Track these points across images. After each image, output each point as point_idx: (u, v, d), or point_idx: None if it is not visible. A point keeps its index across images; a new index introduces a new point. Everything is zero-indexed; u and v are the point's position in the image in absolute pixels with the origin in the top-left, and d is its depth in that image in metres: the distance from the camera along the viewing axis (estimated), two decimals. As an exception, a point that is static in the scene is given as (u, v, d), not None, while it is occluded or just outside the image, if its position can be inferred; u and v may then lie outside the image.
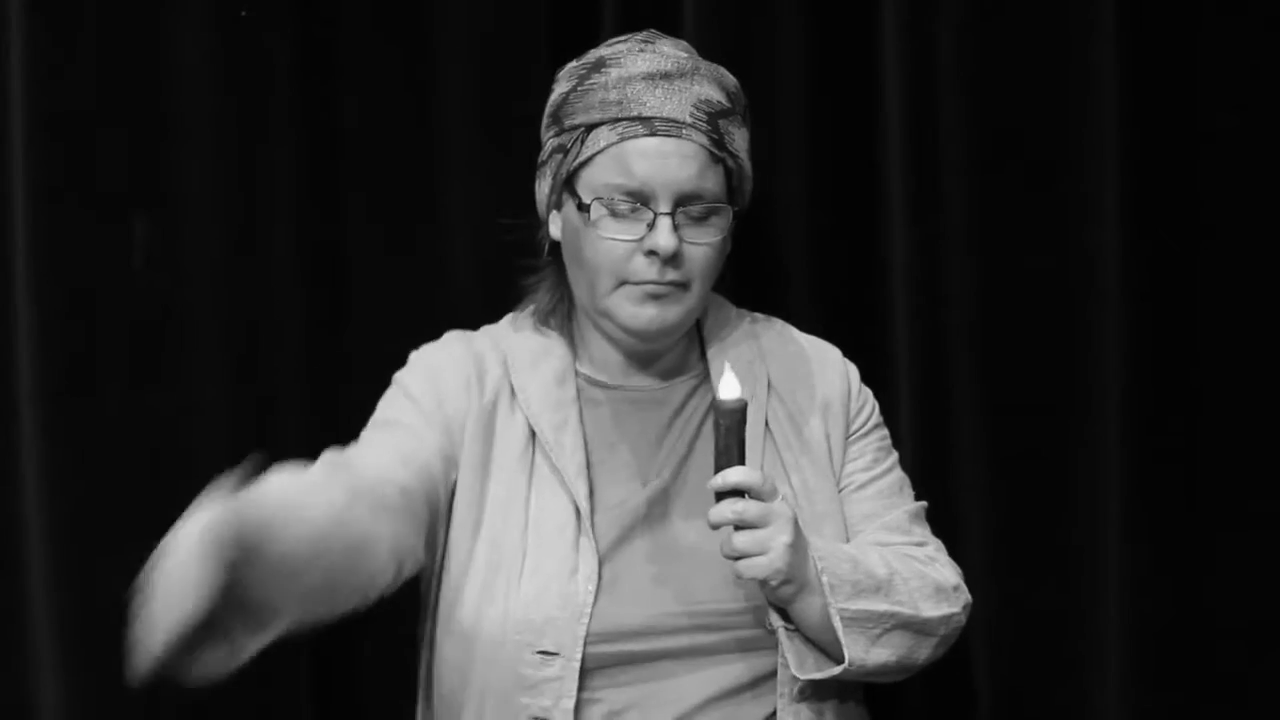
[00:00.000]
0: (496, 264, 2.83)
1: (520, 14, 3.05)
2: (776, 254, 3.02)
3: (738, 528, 2.47)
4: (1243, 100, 2.86)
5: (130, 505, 2.97)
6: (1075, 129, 2.91)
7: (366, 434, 2.64)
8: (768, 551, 2.47)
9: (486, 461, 2.61)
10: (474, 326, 2.75)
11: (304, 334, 3.03)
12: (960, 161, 2.94)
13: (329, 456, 2.51)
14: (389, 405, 2.65)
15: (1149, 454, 2.89)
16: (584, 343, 2.69)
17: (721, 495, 2.47)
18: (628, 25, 2.87)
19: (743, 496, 2.47)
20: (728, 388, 2.44)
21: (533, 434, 2.61)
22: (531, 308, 2.71)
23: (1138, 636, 2.89)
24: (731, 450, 2.45)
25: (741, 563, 2.48)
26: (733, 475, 2.46)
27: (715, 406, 2.45)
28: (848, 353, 2.81)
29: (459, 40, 3.05)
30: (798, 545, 2.50)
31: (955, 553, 2.78)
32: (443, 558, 2.60)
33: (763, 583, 2.50)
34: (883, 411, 2.81)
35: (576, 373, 2.67)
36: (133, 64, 2.98)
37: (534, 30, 3.04)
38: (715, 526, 2.48)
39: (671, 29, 2.94)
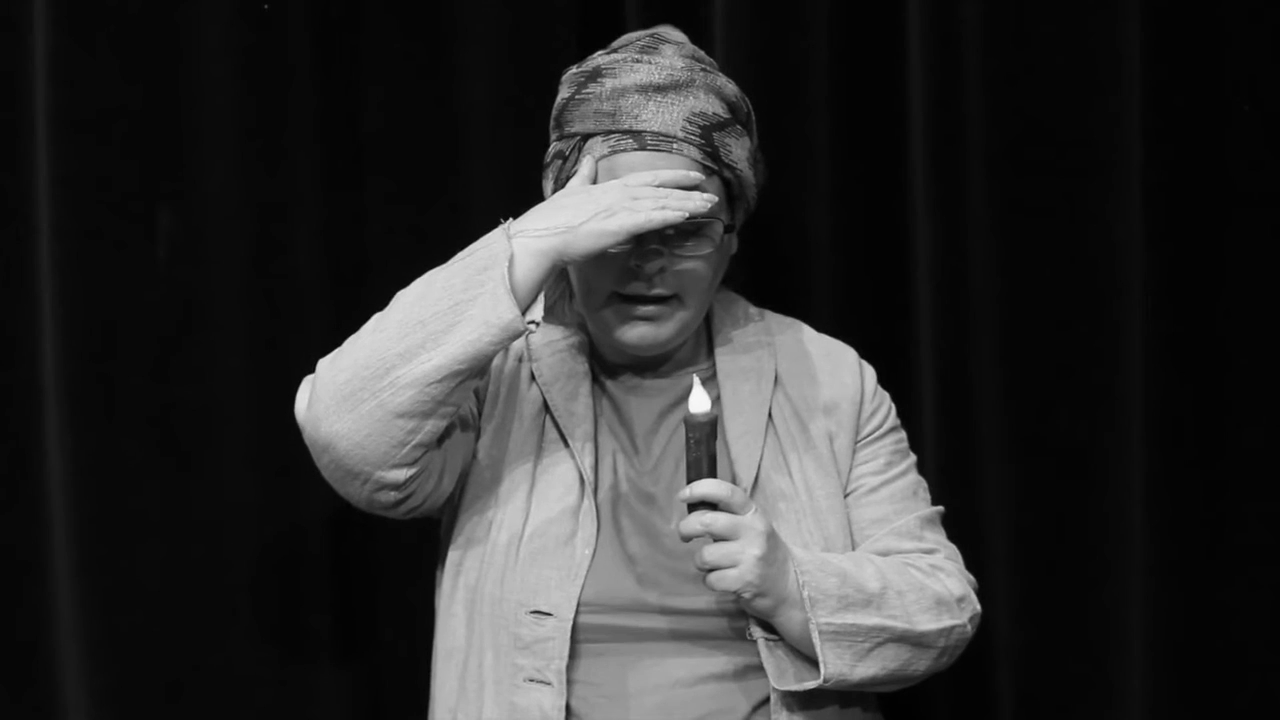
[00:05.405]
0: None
1: (545, 3, 3.04)
2: (801, 248, 2.99)
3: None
4: (1269, 89, 2.82)
5: (153, 501, 3.00)
6: (1100, 122, 2.86)
7: None
8: (738, 564, 2.46)
9: (506, 423, 2.63)
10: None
11: (328, 328, 3.04)
12: (984, 156, 2.90)
13: None
14: None
15: (1173, 451, 2.84)
16: (588, 332, 2.68)
17: (693, 507, 2.45)
18: (654, 14, 2.85)
19: (714, 509, 2.45)
20: (697, 401, 2.43)
21: (545, 403, 2.63)
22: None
23: (1160, 637, 2.85)
24: (701, 463, 2.43)
25: (712, 575, 2.47)
26: (700, 487, 2.44)
27: (685, 420, 2.43)
28: (870, 347, 2.77)
29: (482, 29, 3.04)
30: (771, 559, 2.47)
31: (976, 551, 2.75)
32: (455, 514, 2.63)
33: (736, 595, 2.48)
34: (905, 407, 2.77)
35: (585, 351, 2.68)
36: (155, 59, 3.01)
37: (559, 19, 3.03)
38: (686, 539, 2.47)
39: (700, 22, 2.91)
